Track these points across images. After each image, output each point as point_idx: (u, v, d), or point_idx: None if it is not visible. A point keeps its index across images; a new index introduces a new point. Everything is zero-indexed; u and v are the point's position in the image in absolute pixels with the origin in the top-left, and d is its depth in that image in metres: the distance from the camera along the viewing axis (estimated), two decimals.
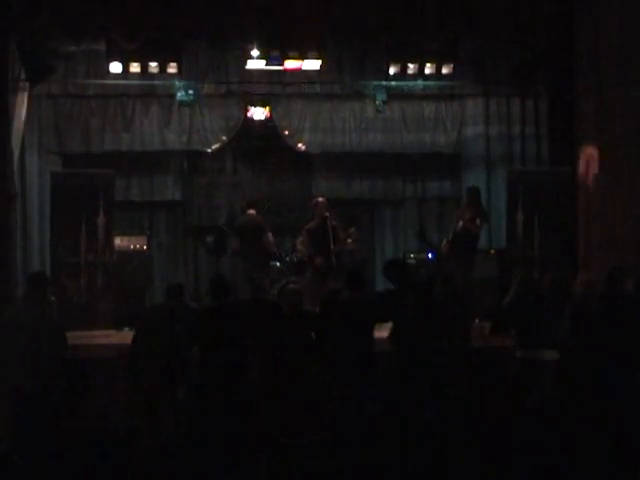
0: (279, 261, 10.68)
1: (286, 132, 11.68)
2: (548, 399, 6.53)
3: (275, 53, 10.35)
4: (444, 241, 10.11)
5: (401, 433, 5.54)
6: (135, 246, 10.77)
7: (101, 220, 10.07)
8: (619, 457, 5.35)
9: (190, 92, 10.98)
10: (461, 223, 9.81)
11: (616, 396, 6.40)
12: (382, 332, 7.08)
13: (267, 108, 11.61)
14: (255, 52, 10.31)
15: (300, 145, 11.72)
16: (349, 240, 9.98)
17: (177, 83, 10.89)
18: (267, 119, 11.67)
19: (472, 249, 9.88)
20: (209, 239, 10.80)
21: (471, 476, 4.95)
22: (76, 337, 7.95)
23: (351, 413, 6.52)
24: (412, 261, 11.21)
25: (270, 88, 11.37)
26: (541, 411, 6.23)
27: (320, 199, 10.25)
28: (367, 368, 6.78)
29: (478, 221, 9.88)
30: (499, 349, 7.60)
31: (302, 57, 10.43)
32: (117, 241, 10.45)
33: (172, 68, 10.42)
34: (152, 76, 10.62)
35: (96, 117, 11.33)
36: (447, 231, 10.44)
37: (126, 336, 8.28)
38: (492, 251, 10.87)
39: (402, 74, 10.79)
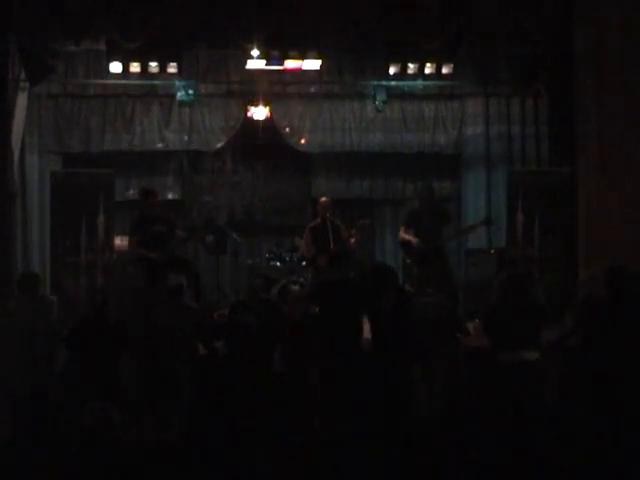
0: (279, 261, 10.67)
1: (286, 132, 11.67)
2: (533, 400, 6.51)
3: (275, 53, 10.37)
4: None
5: (396, 431, 5.55)
6: None
7: (101, 220, 10.05)
8: (622, 457, 5.34)
9: (190, 92, 11.01)
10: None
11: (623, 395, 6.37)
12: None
13: (267, 108, 11.60)
14: (255, 52, 10.31)
15: (300, 145, 11.72)
16: (352, 240, 9.97)
17: (177, 83, 10.91)
18: (267, 119, 11.66)
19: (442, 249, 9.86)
20: (209, 239, 10.79)
21: (468, 476, 4.95)
22: None
23: (348, 413, 6.54)
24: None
25: (270, 88, 11.37)
26: (529, 412, 6.22)
27: (323, 199, 10.26)
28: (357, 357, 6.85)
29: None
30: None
31: (302, 57, 10.45)
32: (117, 241, 10.43)
33: (172, 68, 10.45)
34: (152, 76, 10.66)
35: (96, 117, 11.34)
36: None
37: None
38: (492, 251, 10.86)
39: (402, 74, 10.83)
